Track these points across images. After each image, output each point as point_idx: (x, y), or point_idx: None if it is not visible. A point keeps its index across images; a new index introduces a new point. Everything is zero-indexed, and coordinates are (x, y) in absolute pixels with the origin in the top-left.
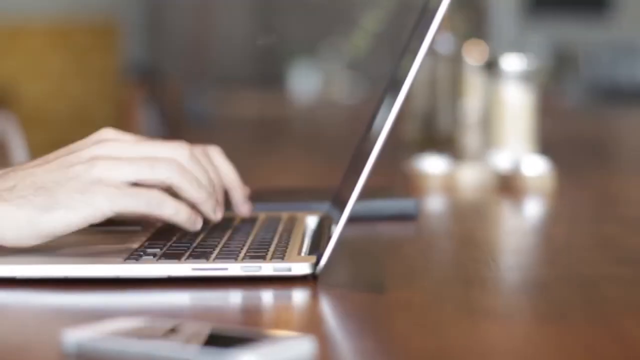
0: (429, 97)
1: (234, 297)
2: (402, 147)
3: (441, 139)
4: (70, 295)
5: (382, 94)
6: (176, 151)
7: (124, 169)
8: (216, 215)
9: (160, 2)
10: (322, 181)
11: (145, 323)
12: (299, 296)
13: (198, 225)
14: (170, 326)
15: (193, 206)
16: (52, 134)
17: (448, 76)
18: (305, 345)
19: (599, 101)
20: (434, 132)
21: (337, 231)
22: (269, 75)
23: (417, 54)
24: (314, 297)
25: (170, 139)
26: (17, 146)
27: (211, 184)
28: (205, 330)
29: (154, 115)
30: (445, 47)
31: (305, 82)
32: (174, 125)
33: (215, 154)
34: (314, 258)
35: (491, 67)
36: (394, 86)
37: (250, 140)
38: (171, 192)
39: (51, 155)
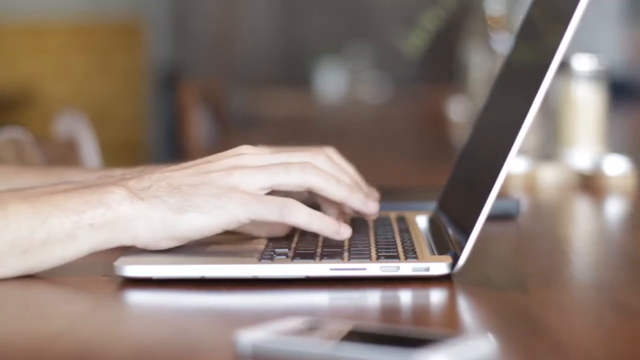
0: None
1: (373, 297)
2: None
3: None
4: (212, 295)
5: (493, 92)
6: (313, 156)
7: (260, 175)
8: (368, 206)
9: (184, 1)
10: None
11: (314, 323)
12: (440, 296)
13: (344, 233)
14: (342, 326)
15: (340, 214)
16: None
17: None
18: (485, 345)
19: (618, 100)
20: None
21: (475, 232)
22: (295, 74)
23: (555, 55)
24: (456, 297)
25: (227, 140)
26: (89, 146)
27: (353, 180)
28: (377, 330)
29: (207, 117)
30: (503, 46)
31: (332, 82)
32: (225, 127)
33: (332, 154)
34: (449, 258)
35: (561, 67)
36: (518, 87)
37: (288, 140)
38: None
39: (188, 163)
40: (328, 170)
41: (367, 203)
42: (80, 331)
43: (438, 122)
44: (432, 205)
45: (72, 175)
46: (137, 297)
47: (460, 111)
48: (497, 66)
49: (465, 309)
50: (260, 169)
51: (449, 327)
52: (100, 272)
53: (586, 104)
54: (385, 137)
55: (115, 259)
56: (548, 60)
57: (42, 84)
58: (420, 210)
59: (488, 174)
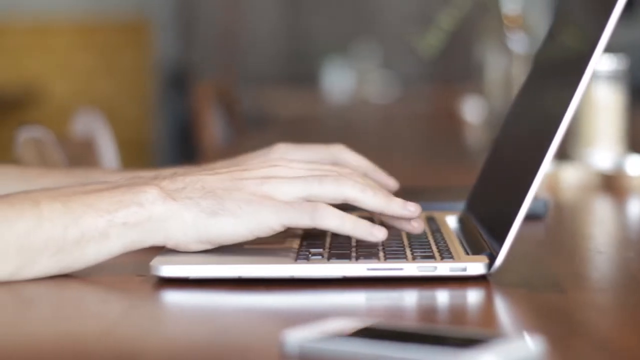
0: (504, 96)
1: (410, 297)
2: (480, 146)
3: None
4: (249, 295)
5: (523, 90)
6: (348, 172)
7: (294, 185)
8: (408, 209)
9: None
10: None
11: (361, 324)
12: (478, 296)
13: (379, 234)
14: (389, 327)
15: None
16: None
17: (522, 75)
18: (532, 345)
19: (631, 100)
20: None
21: (512, 232)
22: (302, 73)
23: (595, 50)
24: (494, 297)
25: (241, 141)
26: (106, 145)
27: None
28: (423, 330)
29: (221, 117)
30: (520, 46)
31: (339, 81)
32: (238, 127)
33: (343, 152)
34: (485, 258)
35: None
36: (553, 84)
37: (300, 140)
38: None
39: (222, 168)
40: (363, 181)
41: (406, 206)
42: (119, 332)
43: (450, 122)
44: (459, 205)
45: (97, 176)
46: (175, 298)
47: (476, 111)
48: (513, 66)
49: (504, 309)
50: (295, 179)
51: (488, 327)
52: (133, 272)
53: (606, 104)
54: (395, 137)
55: (147, 259)
56: (587, 56)
57: (48, 84)
58: (448, 211)
59: (524, 173)
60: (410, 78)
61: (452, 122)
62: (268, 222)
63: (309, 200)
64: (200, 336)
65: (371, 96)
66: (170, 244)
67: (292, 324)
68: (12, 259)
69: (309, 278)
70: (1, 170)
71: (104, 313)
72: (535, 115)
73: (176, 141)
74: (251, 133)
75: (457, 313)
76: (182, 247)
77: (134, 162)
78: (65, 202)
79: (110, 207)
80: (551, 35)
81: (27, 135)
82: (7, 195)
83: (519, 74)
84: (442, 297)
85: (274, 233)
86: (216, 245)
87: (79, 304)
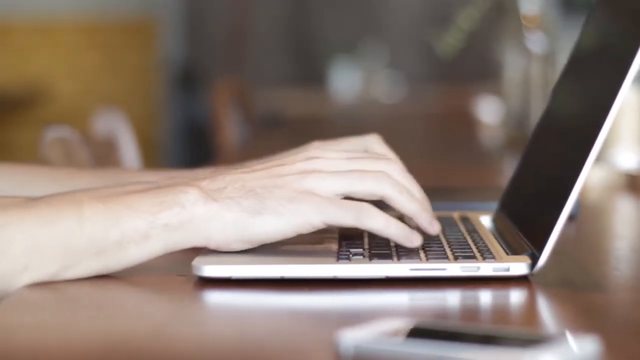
0: (522, 96)
1: (453, 297)
2: (497, 146)
3: None
4: (293, 296)
5: (558, 89)
6: (387, 165)
7: (334, 181)
8: (433, 227)
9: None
10: None
11: (415, 324)
12: (521, 296)
13: (416, 241)
14: (443, 327)
15: (405, 221)
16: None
17: (541, 75)
18: (589, 345)
19: None
20: (527, 131)
21: (555, 232)
22: (309, 73)
23: (635, 56)
24: (537, 297)
25: (256, 142)
26: (128, 145)
27: (424, 196)
28: (480, 331)
29: (239, 118)
30: (538, 46)
31: (346, 81)
32: (254, 127)
33: (375, 147)
34: (527, 258)
35: None
36: (593, 81)
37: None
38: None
39: (258, 165)
40: (401, 182)
41: (432, 223)
42: (167, 332)
43: (462, 122)
44: (487, 205)
45: (127, 177)
46: (219, 298)
47: (491, 111)
48: (532, 66)
49: (548, 309)
50: (335, 174)
51: (535, 327)
52: (174, 272)
53: (630, 104)
54: (405, 137)
55: (185, 259)
56: (628, 58)
57: (53, 82)
58: (479, 210)
59: (565, 174)
60: (417, 78)
61: (464, 122)
62: (310, 219)
63: (348, 196)
64: (250, 337)
65: (379, 96)
66: (211, 245)
67: (340, 325)
68: (57, 260)
69: (352, 278)
70: (30, 170)
71: (149, 314)
72: (575, 117)
73: (184, 141)
74: (265, 133)
75: (502, 313)
76: (223, 248)
77: (141, 162)
78: (106, 203)
79: (153, 209)
80: (585, 36)
81: (53, 135)
82: (47, 197)
83: (537, 74)
84: (486, 297)
85: (314, 230)
86: (257, 244)
87: (124, 304)
